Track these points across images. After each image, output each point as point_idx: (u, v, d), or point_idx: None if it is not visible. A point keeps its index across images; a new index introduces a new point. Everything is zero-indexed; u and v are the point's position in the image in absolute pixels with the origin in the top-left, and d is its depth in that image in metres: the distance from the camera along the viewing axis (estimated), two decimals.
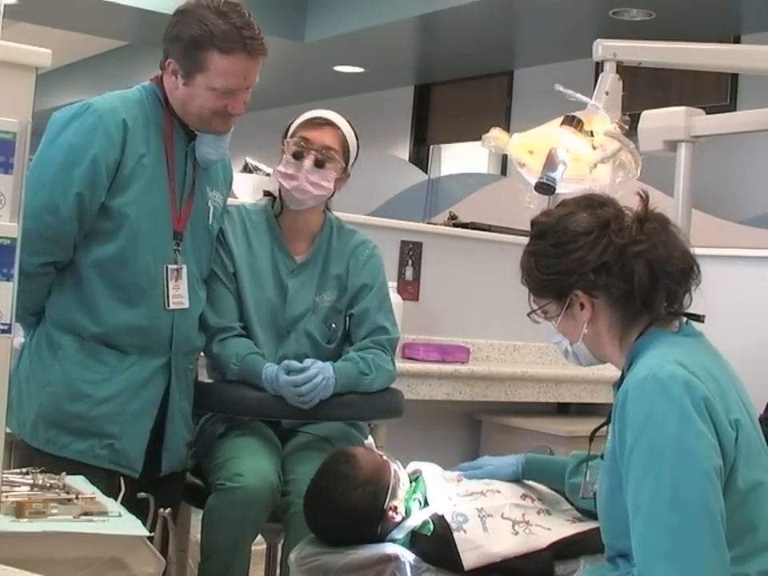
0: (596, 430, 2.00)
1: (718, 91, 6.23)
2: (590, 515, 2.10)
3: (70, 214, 2.32)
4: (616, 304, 1.83)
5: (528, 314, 1.95)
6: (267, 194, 2.87)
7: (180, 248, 2.49)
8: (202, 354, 2.71)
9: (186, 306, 2.50)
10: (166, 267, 2.45)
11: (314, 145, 2.69)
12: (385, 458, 2.29)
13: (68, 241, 2.37)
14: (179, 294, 2.48)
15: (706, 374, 1.73)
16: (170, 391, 2.51)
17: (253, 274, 2.73)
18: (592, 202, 1.89)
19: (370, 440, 2.46)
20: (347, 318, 2.80)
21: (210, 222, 2.59)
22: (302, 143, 2.70)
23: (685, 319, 1.89)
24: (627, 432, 1.70)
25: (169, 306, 2.46)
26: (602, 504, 1.83)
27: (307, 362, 2.58)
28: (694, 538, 1.62)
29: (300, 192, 2.69)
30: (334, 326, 2.79)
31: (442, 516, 2.12)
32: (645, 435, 1.68)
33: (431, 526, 2.12)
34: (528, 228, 1.97)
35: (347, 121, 2.80)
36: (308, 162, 2.68)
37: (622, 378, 1.85)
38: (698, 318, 1.89)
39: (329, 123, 2.73)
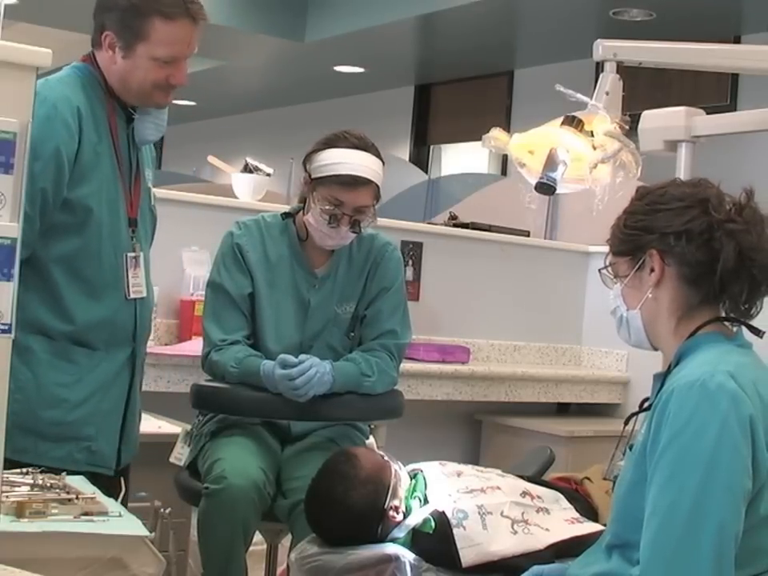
0: (631, 416, 1.97)
1: (718, 91, 6.23)
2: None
3: (33, 212, 2.18)
4: (685, 279, 1.80)
5: (599, 270, 1.93)
6: (286, 215, 2.78)
7: (135, 234, 2.40)
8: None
9: (144, 294, 2.42)
10: (126, 256, 2.37)
11: (348, 208, 2.62)
12: (386, 457, 2.29)
13: (31, 238, 2.21)
14: (138, 283, 2.39)
15: (754, 392, 1.70)
16: (133, 383, 2.45)
17: (272, 291, 2.71)
18: (699, 182, 1.87)
19: (370, 440, 2.45)
20: (362, 319, 2.79)
21: (152, 202, 2.50)
22: (336, 207, 2.61)
23: (742, 327, 1.85)
24: (663, 431, 1.68)
25: (129, 295, 2.37)
26: (620, 493, 1.81)
27: (302, 357, 2.57)
28: (699, 554, 1.61)
29: (333, 243, 2.70)
30: (353, 333, 2.78)
31: (443, 512, 2.12)
32: (680, 440, 1.65)
33: (432, 524, 2.12)
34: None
35: (375, 151, 2.69)
36: (344, 227, 2.64)
37: (668, 371, 1.81)
38: (757, 332, 1.84)
39: (364, 183, 2.63)
